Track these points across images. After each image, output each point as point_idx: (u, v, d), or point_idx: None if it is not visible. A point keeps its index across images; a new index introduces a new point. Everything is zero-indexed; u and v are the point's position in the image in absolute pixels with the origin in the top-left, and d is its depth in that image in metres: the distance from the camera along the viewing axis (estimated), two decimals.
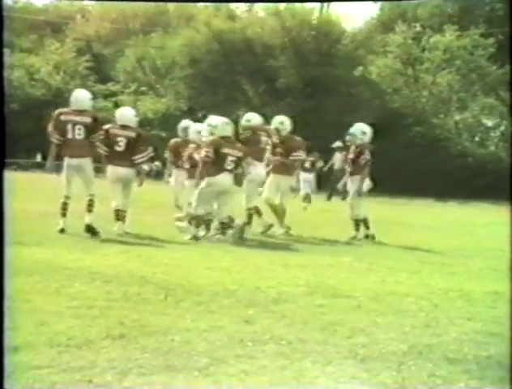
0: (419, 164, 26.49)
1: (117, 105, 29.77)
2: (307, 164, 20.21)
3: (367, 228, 10.38)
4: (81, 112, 9.30)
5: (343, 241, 9.96)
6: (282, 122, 11.08)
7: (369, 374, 3.78)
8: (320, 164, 20.31)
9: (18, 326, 4.26)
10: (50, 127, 9.45)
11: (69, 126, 9.21)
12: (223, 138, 9.48)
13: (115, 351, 3.94)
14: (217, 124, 9.63)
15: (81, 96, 9.64)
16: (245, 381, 3.62)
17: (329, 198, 21.09)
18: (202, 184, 9.34)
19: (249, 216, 10.43)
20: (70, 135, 9.18)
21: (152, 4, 37.84)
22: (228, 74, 29.62)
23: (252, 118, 10.96)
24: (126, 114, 9.87)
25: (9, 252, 6.85)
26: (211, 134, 9.57)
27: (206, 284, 5.90)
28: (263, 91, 30.24)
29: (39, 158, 28.02)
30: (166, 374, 3.63)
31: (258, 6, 34.33)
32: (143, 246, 8.24)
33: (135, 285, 5.70)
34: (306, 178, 17.92)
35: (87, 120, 9.27)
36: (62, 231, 8.95)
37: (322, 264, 7.53)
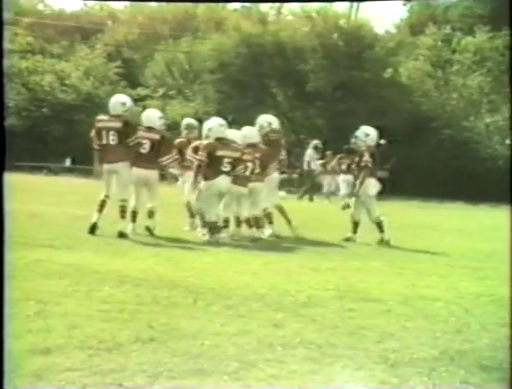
0: (449, 168, 26.29)
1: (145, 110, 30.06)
2: (344, 166, 20.64)
3: (382, 231, 10.17)
4: (115, 117, 9.42)
5: (365, 244, 9.90)
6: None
7: (399, 380, 3.75)
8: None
9: (50, 328, 4.29)
10: (92, 133, 9.65)
11: (103, 132, 9.39)
12: (218, 140, 9.46)
13: (145, 354, 3.95)
14: (212, 126, 9.57)
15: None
16: (275, 385, 3.61)
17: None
18: (202, 188, 9.37)
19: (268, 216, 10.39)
20: (104, 141, 9.37)
21: (181, 8, 37.94)
22: (257, 78, 29.64)
23: (273, 121, 10.79)
24: (151, 116, 9.92)
25: (41, 255, 6.94)
26: (207, 137, 9.55)
27: (236, 288, 5.90)
28: (292, 94, 30.22)
29: (68, 163, 28.25)
30: (196, 378, 3.64)
31: (287, 9, 34.28)
32: (173, 250, 8.26)
33: (165, 289, 5.71)
34: (345, 179, 18.76)
35: (119, 125, 9.36)
36: (95, 226, 9.07)
37: (352, 268, 7.50)
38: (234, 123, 33.13)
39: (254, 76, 29.54)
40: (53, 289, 5.40)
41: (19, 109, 30.86)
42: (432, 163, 26.25)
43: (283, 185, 24.14)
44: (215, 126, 9.59)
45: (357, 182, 10.33)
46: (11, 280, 5.65)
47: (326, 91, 29.37)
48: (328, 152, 22.76)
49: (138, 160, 9.46)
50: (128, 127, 9.41)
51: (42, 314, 4.65)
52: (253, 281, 6.33)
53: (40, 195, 15.49)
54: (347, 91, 28.41)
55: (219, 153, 9.40)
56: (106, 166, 9.33)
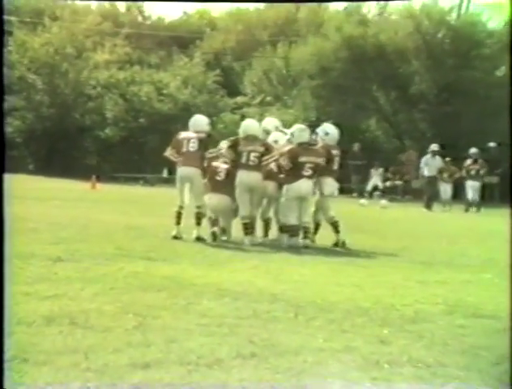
0: None
1: (244, 118, 30.26)
2: (473, 172, 20.58)
3: (337, 232, 10.17)
4: (198, 132, 10.34)
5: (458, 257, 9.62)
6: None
7: None
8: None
9: (149, 342, 4.35)
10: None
11: (184, 142, 10.24)
12: (300, 145, 9.82)
13: (246, 371, 3.94)
14: (293, 131, 10.04)
15: (199, 120, 10.66)
16: None
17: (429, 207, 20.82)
18: (283, 192, 9.81)
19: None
20: (184, 149, 10.14)
21: (282, 13, 38.08)
22: (358, 82, 29.38)
23: (331, 132, 10.66)
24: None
25: (138, 267, 7.07)
26: (290, 142, 9.98)
27: (338, 302, 5.84)
28: (395, 98, 29.83)
29: (165, 173, 28.74)
30: None
31: (390, 8, 33.84)
32: (272, 262, 8.25)
33: (265, 302, 5.70)
34: (473, 186, 20.20)
35: (202, 135, 10.24)
36: (176, 238, 9.80)
37: (461, 280, 7.30)
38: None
39: (355, 80, 29.30)
40: (150, 302, 5.47)
41: (117, 120, 31.65)
42: None
43: (386, 193, 23.77)
44: (296, 131, 10.03)
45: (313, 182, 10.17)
46: (110, 293, 5.79)
47: (430, 93, 28.84)
48: (447, 159, 22.29)
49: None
50: (210, 138, 10.49)
51: (141, 327, 4.72)
52: (356, 294, 6.25)
53: (137, 206, 15.83)
54: (453, 92, 27.76)
55: (302, 159, 9.77)
56: (179, 170, 10.28)
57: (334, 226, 10.21)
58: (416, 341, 4.68)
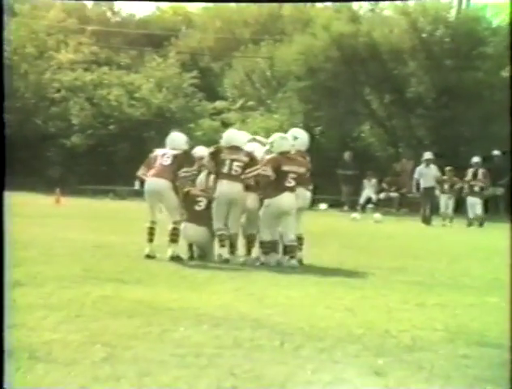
0: None
1: (224, 124, 30.24)
2: (476, 188, 20.80)
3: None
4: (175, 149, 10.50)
5: (487, 278, 9.65)
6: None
7: None
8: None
9: (119, 376, 4.33)
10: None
11: (158, 157, 10.45)
12: (281, 154, 9.96)
13: None
14: (273, 140, 10.18)
15: (176, 138, 10.73)
16: None
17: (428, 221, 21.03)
18: (263, 206, 9.88)
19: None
20: (156, 163, 10.33)
21: (264, 10, 38.21)
22: (350, 85, 29.51)
23: (301, 136, 10.71)
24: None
25: (107, 291, 7.03)
26: (270, 152, 10.11)
27: (329, 328, 5.84)
28: (390, 102, 29.95)
29: (137, 185, 28.64)
30: None
31: (383, 4, 34.03)
32: (255, 283, 8.26)
33: (247, 329, 5.70)
34: (474, 203, 21.01)
35: (178, 152, 10.43)
36: (149, 257, 9.92)
37: (463, 304, 7.32)
38: (323, 136, 33.03)
39: (346, 82, 29.44)
40: (121, 331, 5.45)
41: (83, 127, 31.56)
42: None
43: (379, 206, 23.88)
44: (276, 139, 10.17)
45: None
46: (76, 320, 5.76)
47: (429, 96, 28.98)
48: (448, 168, 22.41)
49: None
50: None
51: (110, 359, 4.70)
52: (348, 319, 6.26)
53: (106, 223, 15.79)
54: (454, 95, 27.89)
55: (285, 168, 9.89)
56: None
57: (298, 242, 10.24)
58: (414, 372, 4.68)
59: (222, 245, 10.03)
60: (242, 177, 10.05)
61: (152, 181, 10.21)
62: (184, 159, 10.34)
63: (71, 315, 5.94)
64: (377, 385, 4.37)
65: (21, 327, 5.41)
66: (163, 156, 10.30)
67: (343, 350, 5.16)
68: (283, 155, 9.98)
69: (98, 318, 5.89)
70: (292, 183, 9.89)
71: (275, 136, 10.36)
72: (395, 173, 27.69)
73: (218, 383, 4.28)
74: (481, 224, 20.74)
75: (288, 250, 9.89)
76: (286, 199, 9.86)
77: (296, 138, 10.49)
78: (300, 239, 10.21)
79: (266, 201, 9.87)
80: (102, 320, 5.81)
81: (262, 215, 9.93)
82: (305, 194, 10.35)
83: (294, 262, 9.85)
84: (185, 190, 10.27)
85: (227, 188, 10.03)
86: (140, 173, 10.60)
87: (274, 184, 9.84)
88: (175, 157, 10.23)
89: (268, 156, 10.07)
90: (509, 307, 4.83)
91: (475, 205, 21.28)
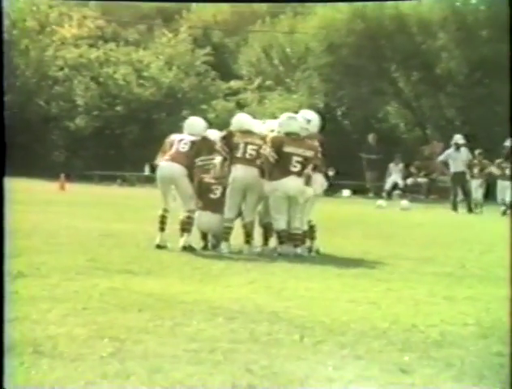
0: None
1: (239, 106, 30.20)
2: (508, 171, 20.78)
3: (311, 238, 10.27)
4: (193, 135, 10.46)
5: None
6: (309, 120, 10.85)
7: None
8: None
9: (128, 373, 4.36)
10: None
11: (175, 142, 10.39)
12: (287, 135, 9.93)
13: None
14: (281, 121, 10.19)
15: (195, 123, 10.71)
16: None
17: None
18: (270, 190, 9.89)
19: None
20: (173, 149, 10.31)
21: None
22: (375, 61, 29.40)
23: (313, 118, 10.70)
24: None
25: (116, 283, 7.09)
26: (277, 133, 10.13)
27: (351, 322, 5.86)
28: (418, 79, 29.80)
29: (147, 171, 28.69)
30: None
31: None
32: (273, 275, 8.28)
33: (265, 323, 5.73)
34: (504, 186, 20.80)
35: (197, 138, 10.43)
36: (160, 247, 9.92)
37: (497, 297, 7.30)
38: (346, 118, 32.91)
39: (371, 59, 29.32)
40: (131, 324, 5.49)
41: (89, 108, 31.61)
42: None
43: (406, 192, 23.78)
44: (284, 119, 10.17)
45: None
46: (82, 313, 5.82)
47: (460, 72, 28.77)
48: (477, 151, 22.35)
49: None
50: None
51: (118, 354, 4.74)
52: (372, 313, 6.28)
53: (114, 210, 15.85)
54: (488, 71, 27.61)
55: (287, 149, 9.87)
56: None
57: (310, 231, 10.27)
58: (443, 370, 4.69)
59: (225, 239, 10.06)
60: (258, 162, 10.06)
61: (166, 165, 10.20)
62: (203, 146, 10.32)
63: (78, 308, 5.98)
64: (403, 383, 4.39)
65: (24, 320, 5.46)
66: (180, 141, 10.28)
67: (367, 345, 5.18)
68: (289, 136, 9.97)
69: (106, 311, 5.94)
70: (298, 167, 9.87)
71: (283, 116, 10.36)
72: (425, 156, 27.58)
73: (233, 380, 4.31)
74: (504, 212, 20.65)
75: (293, 238, 9.91)
76: (292, 184, 9.84)
77: (310, 121, 10.47)
78: (312, 227, 10.24)
79: (273, 184, 9.84)
80: (110, 313, 5.85)
81: (272, 202, 9.94)
82: (317, 179, 10.30)
83: (299, 250, 9.90)
84: (200, 177, 10.28)
85: (242, 173, 10.04)
86: (157, 161, 10.54)
87: (278, 167, 9.84)
88: (193, 143, 10.22)
89: (271, 135, 10.10)
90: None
91: (505, 189, 21.25)
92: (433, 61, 28.91)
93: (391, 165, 26.94)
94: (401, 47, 29.11)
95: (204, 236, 10.39)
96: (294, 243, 9.91)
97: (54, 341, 4.94)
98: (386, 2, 29.73)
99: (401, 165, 26.97)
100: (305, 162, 9.90)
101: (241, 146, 10.09)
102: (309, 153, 9.99)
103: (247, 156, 10.06)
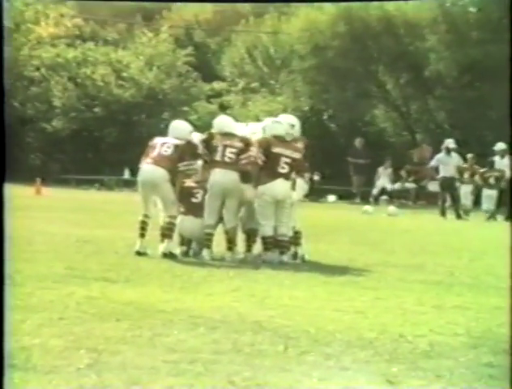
0: None
1: (222, 108, 30.22)
2: (491, 180, 20.86)
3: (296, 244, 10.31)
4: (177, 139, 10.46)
5: None
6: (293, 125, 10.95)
7: None
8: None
9: (106, 384, 4.36)
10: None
11: (158, 145, 10.35)
12: (274, 137, 10.10)
13: None
14: (266, 125, 10.34)
15: (180, 127, 10.75)
16: None
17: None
18: (257, 194, 9.92)
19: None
20: (155, 152, 10.28)
21: None
22: (361, 63, 29.47)
23: (295, 123, 10.77)
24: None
25: (93, 291, 7.05)
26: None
27: (337, 331, 5.88)
28: (406, 82, 29.91)
29: (127, 174, 28.68)
30: None
31: None
32: (256, 283, 8.28)
33: (248, 333, 5.73)
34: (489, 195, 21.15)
35: (181, 142, 10.39)
36: (139, 254, 9.89)
37: (487, 306, 7.33)
38: (332, 121, 32.90)
39: (357, 61, 29.38)
40: (108, 335, 5.48)
41: (66, 109, 31.56)
42: None
43: (394, 198, 23.77)
44: (268, 123, 10.33)
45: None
46: (58, 324, 5.78)
47: (450, 75, 28.84)
48: (469, 155, 22.43)
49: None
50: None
51: (96, 366, 4.72)
52: (359, 322, 6.29)
53: (92, 216, 15.81)
54: (479, 73, 27.68)
55: (276, 150, 9.98)
56: None
57: (295, 237, 10.29)
58: (431, 381, 4.71)
59: (207, 246, 10.06)
60: (240, 163, 10.06)
61: (148, 169, 10.16)
62: (186, 150, 10.30)
63: (53, 318, 5.96)
64: None
65: None
66: (163, 144, 10.26)
67: (353, 356, 5.19)
68: (276, 138, 10.06)
69: (83, 320, 5.92)
70: (286, 169, 9.95)
71: (267, 121, 10.50)
72: (414, 161, 27.60)
73: None
74: (492, 218, 20.77)
75: (279, 245, 9.94)
76: (280, 187, 9.92)
77: (294, 126, 10.53)
78: (297, 233, 10.25)
79: (260, 188, 9.89)
80: (87, 323, 5.84)
81: (258, 207, 9.97)
82: (300, 184, 10.34)
83: (285, 258, 9.94)
84: (181, 181, 10.27)
85: (220, 177, 10.05)
86: (141, 165, 10.48)
87: (265, 169, 9.89)
88: (176, 147, 10.20)
89: (257, 138, 10.16)
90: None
91: (489, 197, 21.45)
92: (422, 62, 29.01)
93: (380, 169, 27.00)
94: (388, 48, 29.18)
95: (184, 242, 10.36)
96: (280, 250, 9.93)
97: (28, 353, 4.92)
98: (372, 3, 29.89)
99: (390, 170, 27.04)
100: (293, 164, 9.98)
101: (220, 149, 10.13)
102: (297, 155, 10.08)
103: (226, 159, 10.09)
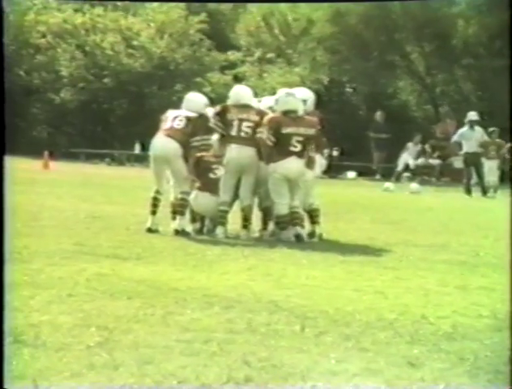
0: None
1: (237, 79, 30.10)
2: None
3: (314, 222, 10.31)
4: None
5: None
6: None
7: None
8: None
9: (117, 364, 4.38)
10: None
11: (170, 118, 10.32)
12: (285, 113, 9.91)
13: None
14: (278, 97, 10.19)
15: (194, 99, 10.65)
16: None
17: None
18: (269, 172, 9.86)
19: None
20: (167, 125, 10.23)
21: None
22: (384, 32, 29.26)
23: (308, 97, 10.72)
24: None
25: (104, 268, 7.12)
26: (273, 110, 10.14)
27: (356, 312, 5.89)
28: (431, 51, 29.64)
29: (138, 149, 28.61)
30: None
31: None
32: (272, 261, 8.30)
33: (263, 312, 5.76)
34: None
35: (193, 114, 10.29)
36: (151, 231, 9.91)
37: None
38: (352, 94, 32.65)
39: (380, 29, 29.18)
40: (120, 313, 5.53)
41: (74, 80, 31.47)
42: None
43: (416, 174, 23.68)
44: (282, 96, 10.19)
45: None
46: (68, 301, 5.85)
47: (479, 42, 28.51)
48: (491, 129, 22.33)
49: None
50: None
51: (106, 344, 4.76)
52: (379, 303, 6.31)
53: (102, 191, 15.85)
54: (511, 39, 27.38)
55: (287, 130, 9.86)
56: None
57: (312, 215, 10.29)
58: (454, 365, 4.70)
59: (221, 224, 10.03)
60: (256, 137, 10.00)
61: (160, 142, 10.15)
62: (200, 124, 10.23)
63: (62, 295, 6.00)
64: (411, 377, 4.41)
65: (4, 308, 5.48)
66: (175, 118, 10.22)
67: (373, 337, 5.20)
68: (287, 114, 9.93)
69: (93, 298, 5.96)
70: (299, 147, 9.86)
71: (281, 92, 10.39)
72: (438, 137, 27.43)
73: (229, 373, 4.33)
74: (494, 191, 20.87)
75: (293, 217, 9.89)
76: (292, 165, 9.84)
77: (305, 101, 10.43)
78: (314, 211, 10.26)
79: (271, 166, 9.82)
80: (98, 301, 5.87)
81: (271, 185, 9.90)
82: (318, 160, 10.31)
83: (299, 229, 9.89)
84: (198, 155, 10.23)
85: (236, 153, 9.99)
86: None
87: (276, 148, 9.83)
88: (189, 120, 10.15)
89: (268, 116, 10.04)
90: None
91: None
92: (449, 30, 28.65)
93: (410, 144, 26.74)
94: (413, 16, 28.88)
95: (197, 219, 10.32)
96: (293, 222, 9.90)
97: (37, 330, 4.95)
98: None
99: (420, 146, 26.82)
100: (306, 141, 9.90)
101: (236, 123, 10.02)
102: (311, 131, 9.97)
103: (242, 134, 10.01)
